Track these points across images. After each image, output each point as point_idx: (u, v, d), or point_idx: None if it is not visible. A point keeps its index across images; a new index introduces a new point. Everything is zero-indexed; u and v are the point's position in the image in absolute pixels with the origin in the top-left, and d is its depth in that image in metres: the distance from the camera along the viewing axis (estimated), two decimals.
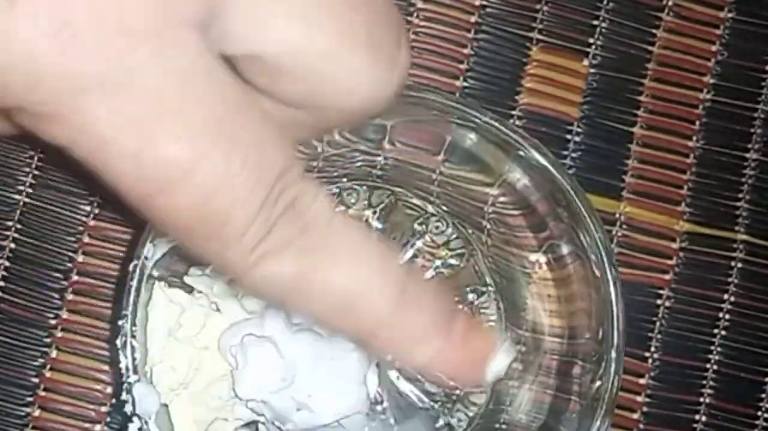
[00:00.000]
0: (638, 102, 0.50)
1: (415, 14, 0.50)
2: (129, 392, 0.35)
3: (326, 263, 0.25)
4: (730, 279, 0.49)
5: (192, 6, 0.22)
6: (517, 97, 0.49)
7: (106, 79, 0.21)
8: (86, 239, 0.48)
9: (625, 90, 0.50)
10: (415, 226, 0.46)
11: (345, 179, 0.45)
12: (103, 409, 0.47)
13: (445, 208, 0.46)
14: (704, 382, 0.49)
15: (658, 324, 0.49)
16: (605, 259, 0.37)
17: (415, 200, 0.46)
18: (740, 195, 0.50)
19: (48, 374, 0.47)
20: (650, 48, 0.50)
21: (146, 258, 0.36)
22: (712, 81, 0.50)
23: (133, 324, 0.35)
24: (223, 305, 0.37)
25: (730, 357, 0.49)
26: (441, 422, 0.46)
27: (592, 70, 0.50)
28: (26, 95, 0.21)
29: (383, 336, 0.26)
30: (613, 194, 0.49)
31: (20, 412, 0.47)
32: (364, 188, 0.46)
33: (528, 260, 0.43)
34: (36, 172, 0.48)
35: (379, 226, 0.46)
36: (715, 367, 0.49)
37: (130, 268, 0.36)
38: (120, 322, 0.35)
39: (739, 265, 0.49)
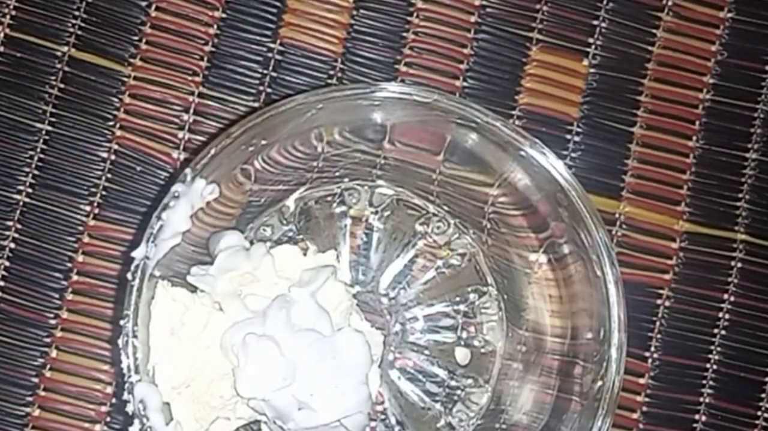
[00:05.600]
0: (638, 102, 0.50)
1: (415, 14, 0.50)
2: (131, 392, 0.35)
3: None
4: (729, 279, 0.49)
5: None
6: (517, 97, 0.49)
7: None
8: (86, 239, 0.48)
9: (625, 90, 0.50)
10: (417, 226, 0.46)
11: (346, 179, 0.45)
12: (103, 409, 0.47)
13: (446, 208, 0.46)
14: (704, 382, 0.49)
15: (658, 323, 0.49)
16: (606, 259, 0.37)
17: (417, 200, 0.46)
18: (740, 195, 0.50)
19: (48, 374, 0.47)
20: (650, 48, 0.50)
21: (147, 258, 0.36)
22: (712, 81, 0.50)
23: (135, 323, 0.35)
24: (226, 304, 0.37)
25: (730, 356, 0.49)
26: (442, 422, 0.46)
27: (592, 70, 0.50)
28: None
29: None
30: (613, 194, 0.49)
31: (20, 412, 0.47)
32: (366, 188, 0.46)
33: (529, 260, 0.44)
34: (36, 172, 0.48)
35: (381, 226, 0.46)
36: (715, 367, 0.49)
37: (132, 268, 0.35)
38: (122, 322, 0.35)
39: (739, 265, 0.50)
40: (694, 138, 0.50)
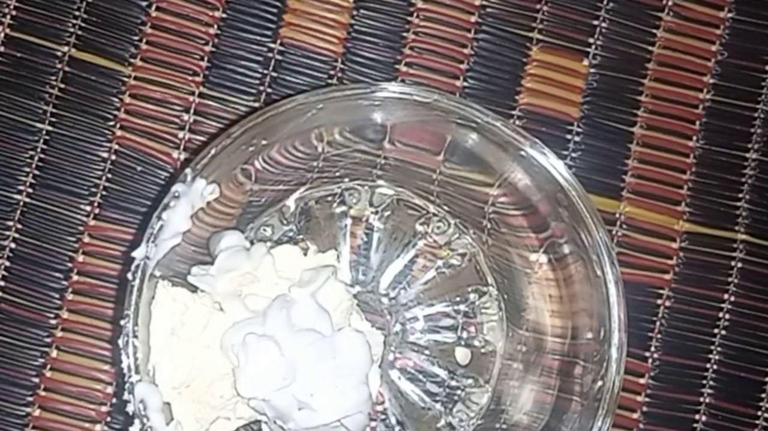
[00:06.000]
0: (638, 102, 0.50)
1: (415, 14, 0.50)
2: (131, 392, 0.35)
3: None
4: (730, 279, 0.49)
5: None
6: (517, 97, 0.49)
7: None
8: (86, 239, 0.48)
9: (625, 90, 0.50)
10: (417, 226, 0.46)
11: (346, 179, 0.45)
12: (104, 409, 0.47)
13: (446, 208, 0.46)
14: (704, 382, 0.49)
15: (658, 323, 0.49)
16: (606, 259, 0.37)
17: (417, 200, 0.46)
18: (740, 195, 0.50)
19: (48, 374, 0.47)
20: (650, 48, 0.50)
21: (148, 258, 0.36)
22: (712, 81, 0.50)
23: (135, 323, 0.35)
24: (226, 304, 0.37)
25: (730, 356, 0.49)
26: (442, 422, 0.46)
27: (592, 70, 0.50)
28: None
29: None
30: (613, 194, 0.49)
31: (20, 412, 0.47)
32: (366, 188, 0.46)
33: (529, 260, 0.44)
34: (36, 172, 0.48)
35: (381, 226, 0.46)
36: (715, 367, 0.49)
37: (132, 268, 0.35)
38: (122, 322, 0.35)
39: (739, 265, 0.50)
40: (694, 138, 0.50)
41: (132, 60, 0.49)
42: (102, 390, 0.47)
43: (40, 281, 0.48)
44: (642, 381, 0.49)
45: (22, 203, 0.48)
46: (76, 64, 0.49)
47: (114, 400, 0.47)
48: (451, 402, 0.46)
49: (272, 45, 0.49)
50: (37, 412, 0.47)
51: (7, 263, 0.48)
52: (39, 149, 0.48)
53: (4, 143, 0.48)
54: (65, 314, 0.48)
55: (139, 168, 0.49)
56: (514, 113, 0.49)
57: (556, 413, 0.41)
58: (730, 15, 0.50)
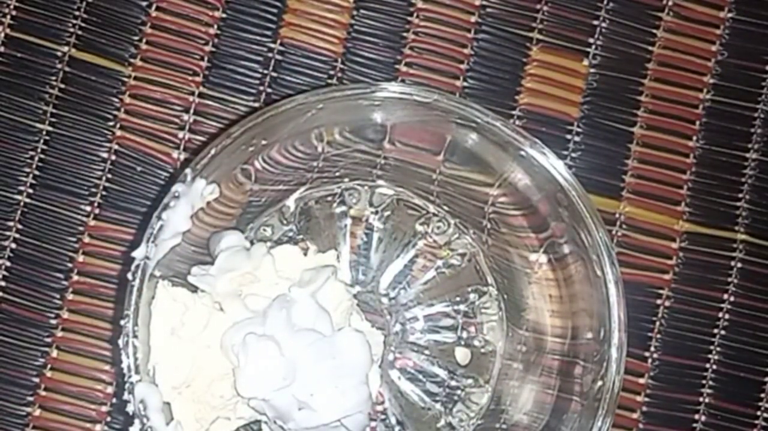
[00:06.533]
0: (638, 102, 0.50)
1: (415, 14, 0.50)
2: (131, 391, 0.35)
3: None
4: (729, 279, 0.49)
5: None
6: (517, 97, 0.49)
7: None
8: (87, 239, 0.48)
9: (625, 90, 0.50)
10: (417, 226, 0.46)
11: (346, 179, 0.45)
12: (104, 409, 0.47)
13: (446, 208, 0.46)
14: (704, 382, 0.49)
15: (658, 323, 0.49)
16: (606, 259, 0.37)
17: (417, 200, 0.46)
18: (740, 195, 0.50)
19: (48, 374, 0.47)
20: (650, 48, 0.50)
21: (148, 258, 0.36)
22: (712, 81, 0.50)
23: (135, 323, 0.35)
24: (226, 304, 0.37)
25: (730, 356, 0.49)
26: (442, 422, 0.46)
27: (592, 70, 0.50)
28: None
29: None
30: (613, 194, 0.49)
31: (21, 412, 0.47)
32: (366, 188, 0.46)
33: (529, 260, 0.44)
34: (36, 172, 0.48)
35: (381, 226, 0.46)
36: (714, 367, 0.49)
37: (132, 268, 0.35)
38: (122, 322, 0.35)
39: (739, 265, 0.50)
40: (694, 138, 0.50)
41: (132, 60, 0.49)
42: (102, 390, 0.47)
43: (40, 281, 0.48)
44: (642, 381, 0.49)
45: (22, 203, 0.48)
46: (76, 64, 0.49)
47: (114, 400, 0.47)
48: (451, 402, 0.46)
49: (272, 45, 0.49)
50: (37, 412, 0.47)
51: (8, 263, 0.48)
52: (39, 149, 0.48)
53: (4, 143, 0.48)
54: (65, 314, 0.48)
55: (139, 168, 0.49)
56: (514, 113, 0.49)
57: (556, 413, 0.41)
58: (730, 15, 0.50)
